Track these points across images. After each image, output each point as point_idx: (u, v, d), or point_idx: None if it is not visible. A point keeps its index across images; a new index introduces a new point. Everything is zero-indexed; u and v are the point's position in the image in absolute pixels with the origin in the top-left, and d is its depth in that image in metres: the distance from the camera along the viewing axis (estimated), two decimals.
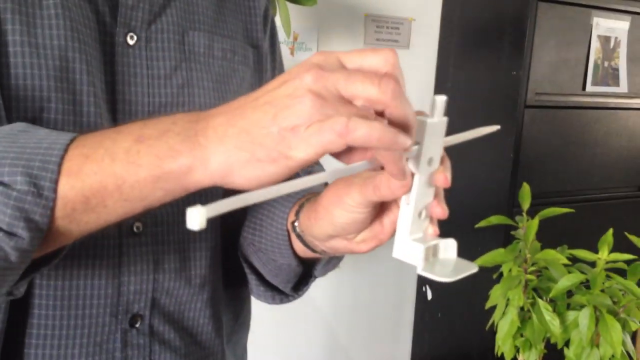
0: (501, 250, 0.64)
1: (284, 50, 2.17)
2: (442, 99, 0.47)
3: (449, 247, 0.48)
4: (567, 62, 2.20)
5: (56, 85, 0.52)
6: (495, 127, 0.51)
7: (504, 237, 2.23)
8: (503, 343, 0.65)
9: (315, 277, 0.71)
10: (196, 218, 0.33)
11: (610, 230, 0.61)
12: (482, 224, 0.64)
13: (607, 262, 0.61)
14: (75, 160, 0.41)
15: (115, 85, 0.57)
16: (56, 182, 0.40)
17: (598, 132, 2.36)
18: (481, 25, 2.36)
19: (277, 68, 0.80)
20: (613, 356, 0.63)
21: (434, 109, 0.46)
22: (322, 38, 2.25)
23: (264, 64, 0.75)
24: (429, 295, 2.60)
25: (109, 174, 0.40)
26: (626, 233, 0.67)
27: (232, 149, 0.38)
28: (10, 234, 0.40)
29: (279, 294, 0.74)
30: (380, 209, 0.50)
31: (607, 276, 0.65)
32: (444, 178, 0.47)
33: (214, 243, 0.67)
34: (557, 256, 0.59)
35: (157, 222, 0.60)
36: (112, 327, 0.58)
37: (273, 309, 2.41)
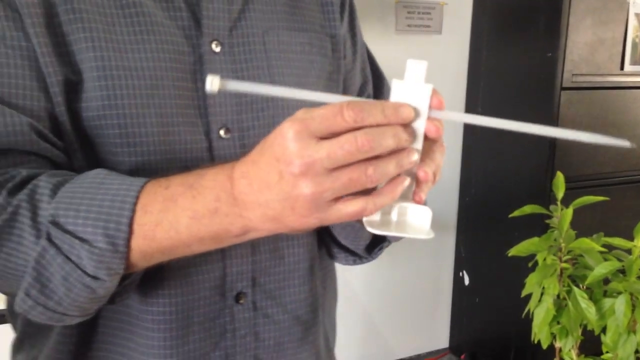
0: (535, 239, 0.64)
1: None
2: (415, 63, 0.47)
3: (421, 214, 0.51)
4: (604, 42, 2.16)
5: (148, 102, 0.60)
6: (625, 143, 0.49)
7: (543, 223, 2.21)
8: (539, 330, 0.66)
9: (390, 242, 0.74)
10: (213, 82, 0.46)
11: None
12: (516, 213, 0.65)
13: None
14: (147, 226, 0.52)
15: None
16: (127, 239, 0.51)
17: (638, 112, 2.31)
18: (514, 7, 2.32)
19: (358, 52, 0.83)
20: None
21: (405, 72, 0.47)
22: None
23: (341, 51, 0.78)
24: (466, 281, 2.59)
25: (177, 241, 0.52)
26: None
27: (274, 229, 0.51)
28: (95, 278, 0.52)
29: (352, 255, 0.80)
30: None
31: None
32: (434, 128, 0.48)
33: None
34: (591, 245, 0.59)
35: None
36: (222, 304, 0.67)
37: None
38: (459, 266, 2.67)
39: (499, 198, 2.40)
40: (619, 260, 0.65)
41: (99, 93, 0.58)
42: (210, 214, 0.51)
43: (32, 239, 0.52)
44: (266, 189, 0.48)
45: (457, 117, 0.48)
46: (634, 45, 2.22)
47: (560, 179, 0.65)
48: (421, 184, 0.50)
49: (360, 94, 0.84)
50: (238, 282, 0.67)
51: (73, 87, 0.59)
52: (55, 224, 0.52)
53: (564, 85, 2.14)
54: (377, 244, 0.76)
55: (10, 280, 0.55)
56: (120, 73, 0.59)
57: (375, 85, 0.86)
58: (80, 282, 0.53)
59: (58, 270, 0.52)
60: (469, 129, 2.55)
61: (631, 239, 0.65)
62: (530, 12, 2.23)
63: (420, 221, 0.51)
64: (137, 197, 0.52)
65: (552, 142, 2.19)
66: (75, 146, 0.60)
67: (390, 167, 0.47)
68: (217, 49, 0.65)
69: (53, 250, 0.52)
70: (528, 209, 0.66)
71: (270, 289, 0.69)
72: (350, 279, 2.50)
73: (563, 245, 0.61)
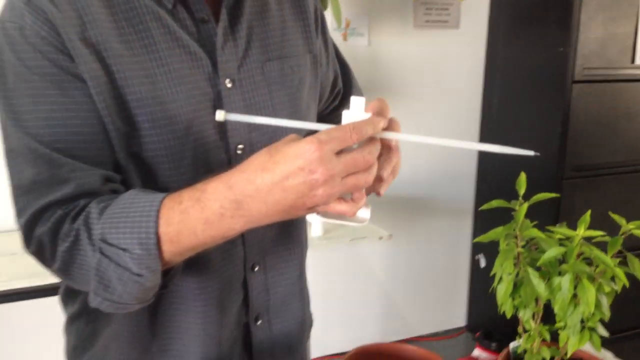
0: (499, 228, 0.78)
1: (336, 37, 2.31)
2: (356, 99, 0.65)
3: (364, 209, 0.68)
4: (615, 36, 2.24)
5: (187, 139, 0.77)
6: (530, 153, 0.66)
7: (556, 211, 2.33)
8: (502, 303, 0.80)
9: None
10: (219, 115, 0.64)
11: (589, 212, 0.75)
12: (484, 207, 0.79)
13: (584, 238, 0.75)
14: (172, 234, 0.67)
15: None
16: (156, 244, 0.66)
17: None
18: (529, 3, 2.41)
19: (330, 54, 1.00)
20: (593, 314, 0.77)
21: (350, 106, 0.66)
22: (372, 23, 2.37)
23: (318, 63, 0.94)
24: (482, 264, 2.72)
25: (196, 242, 0.68)
26: (610, 212, 0.80)
27: (275, 220, 0.66)
28: (140, 275, 0.68)
29: None
30: None
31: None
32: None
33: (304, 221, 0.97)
34: (538, 233, 0.74)
35: None
36: (243, 272, 0.87)
37: (332, 279, 2.59)
38: (475, 250, 2.80)
39: (513, 185, 2.50)
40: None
41: (151, 139, 0.75)
42: (218, 219, 0.65)
43: (91, 253, 0.68)
44: (280, 191, 0.62)
45: (394, 136, 0.67)
46: None
47: (522, 178, 0.79)
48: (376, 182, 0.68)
49: (332, 87, 1.03)
50: (253, 254, 0.87)
51: (130, 136, 0.75)
52: (104, 240, 0.67)
53: (576, 78, 2.23)
54: None
55: (86, 284, 0.71)
56: (165, 122, 0.75)
57: (343, 75, 1.06)
58: (131, 280, 0.68)
59: (113, 273, 0.68)
60: (485, 119, 2.66)
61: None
62: (544, 8, 2.32)
63: (363, 214, 0.69)
64: (159, 211, 0.67)
65: (564, 131, 2.29)
66: (135, 181, 0.77)
67: (374, 174, 0.65)
68: (230, 85, 0.80)
69: (106, 260, 0.67)
70: (495, 203, 0.80)
71: (273, 260, 0.91)
72: (370, 261, 2.65)
73: (518, 233, 0.75)
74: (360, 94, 1.06)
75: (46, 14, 0.70)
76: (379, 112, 0.67)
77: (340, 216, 0.67)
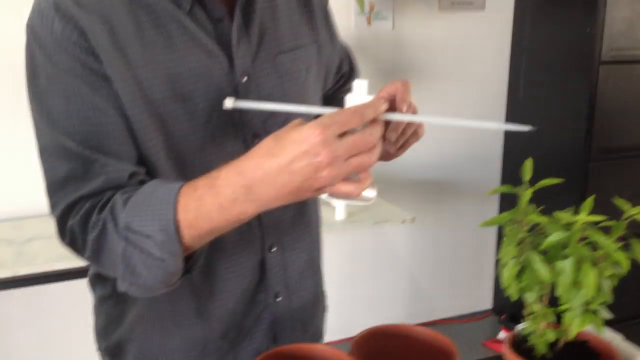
0: (505, 214, 0.81)
1: (361, 21, 2.33)
2: (359, 81, 0.69)
3: (370, 191, 0.71)
4: None
5: (206, 132, 0.83)
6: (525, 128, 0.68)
7: (581, 194, 2.31)
8: (508, 286, 0.83)
9: None
10: (229, 102, 0.69)
11: (592, 197, 0.77)
12: (490, 193, 0.81)
13: (587, 222, 0.77)
14: (190, 220, 0.71)
15: (241, 111, 0.84)
16: (176, 230, 0.70)
17: None
18: None
19: (336, 41, 1.04)
20: (595, 297, 0.79)
21: (353, 88, 0.70)
22: (397, 6, 2.37)
23: (324, 51, 0.99)
24: None
25: (212, 226, 0.71)
26: (612, 199, 0.82)
27: (285, 202, 0.68)
28: (162, 260, 0.72)
29: None
30: None
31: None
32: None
33: (317, 199, 1.02)
34: (540, 218, 0.76)
35: None
36: (261, 252, 0.92)
37: (356, 262, 2.61)
38: (501, 233, 2.78)
39: (539, 168, 2.49)
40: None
41: (174, 134, 0.80)
42: (231, 204, 0.68)
43: (117, 241, 0.72)
44: (287, 174, 0.65)
45: (396, 117, 0.71)
46: None
47: (528, 164, 0.80)
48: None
49: (338, 70, 1.08)
50: (270, 236, 0.92)
51: (157, 132, 0.79)
52: (128, 228, 0.72)
53: (603, 59, 2.21)
54: None
55: (114, 271, 0.75)
56: (186, 118, 0.81)
57: (348, 58, 1.11)
58: (155, 265, 0.72)
59: (138, 259, 0.72)
60: (511, 101, 2.65)
61: None
62: None
63: (368, 193, 0.72)
64: (177, 199, 0.71)
65: (590, 112, 2.27)
66: (165, 171, 0.81)
67: (378, 155, 0.68)
68: (245, 79, 0.85)
69: (131, 247, 0.72)
70: (501, 188, 0.82)
71: (290, 240, 0.96)
72: (396, 245, 2.67)
73: (521, 218, 0.78)
74: (359, 75, 1.11)
75: (75, 19, 0.74)
76: (399, 95, 0.71)
77: (347, 196, 0.70)
